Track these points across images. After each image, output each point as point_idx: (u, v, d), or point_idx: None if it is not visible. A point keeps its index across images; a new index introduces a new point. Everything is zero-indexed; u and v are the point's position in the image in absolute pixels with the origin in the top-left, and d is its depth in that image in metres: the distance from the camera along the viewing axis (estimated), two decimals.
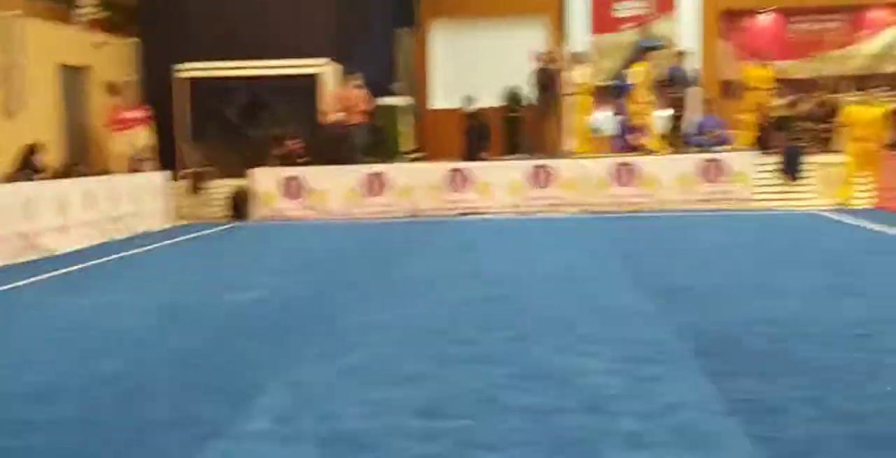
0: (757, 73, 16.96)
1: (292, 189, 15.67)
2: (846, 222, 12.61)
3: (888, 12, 20.11)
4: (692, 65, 17.29)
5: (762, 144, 15.90)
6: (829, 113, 16.16)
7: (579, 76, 16.88)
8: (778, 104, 17.10)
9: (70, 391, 4.99)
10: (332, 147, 16.21)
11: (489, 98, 17.47)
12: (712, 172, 15.28)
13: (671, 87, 16.79)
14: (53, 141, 14.83)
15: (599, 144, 17.57)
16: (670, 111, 16.83)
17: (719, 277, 8.26)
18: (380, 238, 12.62)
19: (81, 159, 15.69)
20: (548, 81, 16.86)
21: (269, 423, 4.27)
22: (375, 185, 15.60)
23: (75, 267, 10.21)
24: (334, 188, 15.64)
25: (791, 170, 15.30)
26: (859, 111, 14.71)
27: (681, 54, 17.15)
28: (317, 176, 15.71)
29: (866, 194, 14.66)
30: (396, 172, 15.84)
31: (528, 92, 17.34)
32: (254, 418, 4.36)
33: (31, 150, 12.88)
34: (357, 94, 16.49)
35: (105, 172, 15.15)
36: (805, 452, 3.70)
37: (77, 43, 16.04)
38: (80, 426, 4.36)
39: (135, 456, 3.88)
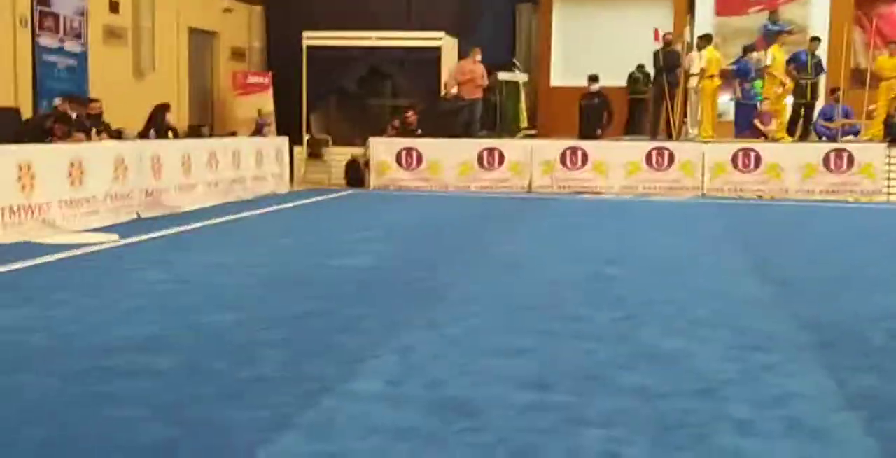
0: (890, 62, 16.24)
1: (408, 160, 15.79)
2: None
3: None
4: (821, 52, 16.67)
5: (892, 135, 15.25)
6: None
7: (704, 59, 16.47)
8: None
9: (177, 343, 5.12)
10: (449, 120, 16.26)
11: (609, 78, 17.22)
12: (839, 162, 14.75)
13: (800, 73, 16.22)
14: (180, 103, 15.30)
15: (723, 129, 17.17)
16: (799, 98, 16.30)
17: (841, 269, 7.99)
18: (491, 212, 12.63)
19: (206, 121, 16.16)
20: (671, 62, 16.53)
21: (378, 385, 4.33)
22: (490, 159, 15.59)
23: (196, 225, 10.52)
24: (449, 161, 15.69)
25: None
26: None
27: (813, 40, 16.54)
28: (432, 148, 15.79)
29: None
30: (512, 147, 15.79)
31: (651, 73, 17.04)
32: (363, 379, 4.43)
33: (162, 109, 13.29)
34: (476, 68, 16.47)
35: (229, 134, 15.54)
36: None
37: (206, 8, 16.45)
38: (185, 376, 4.47)
39: (241, 409, 3.96)
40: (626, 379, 4.48)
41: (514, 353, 4.96)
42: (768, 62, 16.33)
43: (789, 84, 16.18)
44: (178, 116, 14.89)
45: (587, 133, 16.30)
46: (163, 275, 7.31)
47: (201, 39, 16.50)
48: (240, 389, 4.27)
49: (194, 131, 14.72)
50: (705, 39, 16.75)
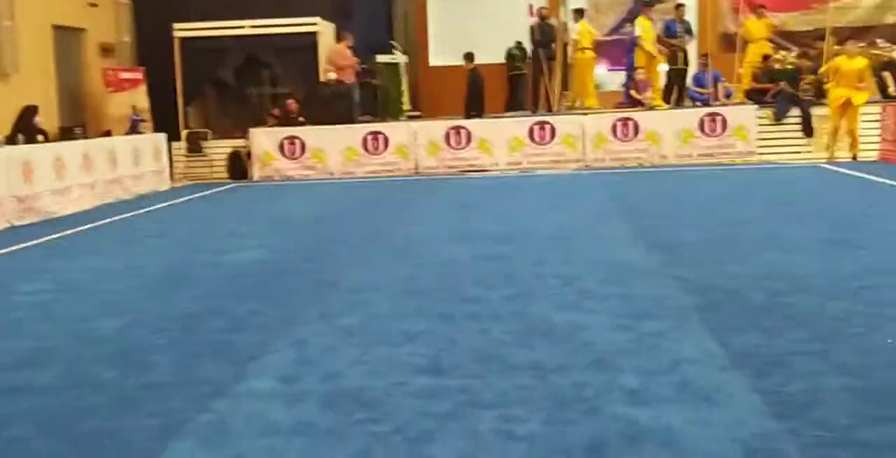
0: (756, 25, 16.77)
1: (291, 149, 15.61)
2: (848, 175, 12.57)
3: None
4: (689, 18, 17.08)
5: (759, 96, 15.77)
6: (815, 66, 16.01)
7: (578, 32, 16.72)
8: (777, 57, 16.93)
9: (62, 355, 4.96)
10: (329, 106, 16.11)
11: (488, 55, 17.30)
12: (713, 126, 15.19)
13: (671, 40, 16.61)
14: (48, 103, 14.74)
15: (603, 100, 17.47)
16: (670, 66, 16.69)
17: (721, 231, 8.24)
18: (379, 197, 12.59)
19: (78, 122, 15.61)
20: (547, 36, 16.72)
21: (272, 382, 4.28)
22: (375, 143, 15.52)
23: (73, 230, 10.19)
24: (333, 147, 15.58)
25: (781, 112, 15.13)
26: (843, 63, 14.53)
27: (679, 7, 16.95)
28: (316, 135, 15.64)
29: (869, 147, 14.58)
30: (396, 130, 15.75)
31: (528, 48, 17.20)
32: (257, 377, 4.37)
33: (30, 111, 12.77)
34: (349, 52, 16.31)
35: (103, 134, 15.07)
36: (808, 404, 3.70)
37: (71, 3, 15.86)
38: (72, 388, 4.33)
39: (133, 418, 3.86)
40: (521, 357, 4.53)
41: (410, 339, 4.96)
42: (638, 33, 16.67)
43: (659, 56, 16.52)
44: (48, 118, 14.34)
45: (470, 112, 16.37)
46: (42, 284, 7.05)
47: (67, 36, 15.90)
48: (130, 397, 4.16)
49: (66, 133, 14.21)
50: (578, 13, 16.99)
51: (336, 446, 3.46)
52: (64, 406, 4.08)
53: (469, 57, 16.72)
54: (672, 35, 16.58)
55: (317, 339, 5.06)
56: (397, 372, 4.35)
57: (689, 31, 16.83)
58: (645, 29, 16.61)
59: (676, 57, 16.61)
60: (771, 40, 16.95)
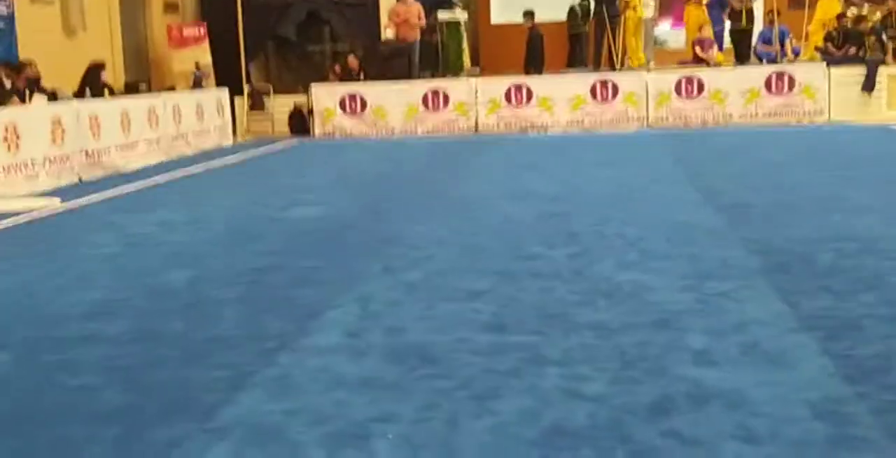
0: None
1: (352, 105, 15.61)
2: None
3: None
4: None
5: (831, 55, 15.36)
6: (890, 22, 15.51)
7: None
8: (850, 15, 16.47)
9: (129, 306, 5.04)
10: (389, 63, 16.06)
11: (550, 12, 17.06)
12: (780, 85, 14.84)
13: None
14: (114, 60, 14.91)
15: (664, 57, 17.18)
16: (733, 25, 16.36)
17: (787, 192, 8.08)
18: (439, 155, 12.56)
19: (143, 78, 15.78)
20: None
21: (337, 337, 4.31)
22: (435, 101, 15.46)
23: (139, 184, 10.34)
24: (394, 105, 15.54)
25: (870, 84, 14.77)
26: None
27: None
28: (376, 92, 15.61)
29: None
30: (456, 87, 15.66)
31: (590, 6, 16.95)
32: (322, 332, 4.41)
33: (97, 67, 12.94)
34: (411, 8, 16.22)
35: (167, 90, 15.22)
36: (878, 369, 3.63)
37: None
38: (140, 341, 4.40)
39: (200, 370, 3.92)
40: (584, 316, 4.51)
41: (472, 296, 4.96)
42: None
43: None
44: (114, 74, 14.50)
45: (528, 69, 16.23)
46: (110, 238, 7.17)
47: None
48: (197, 350, 4.23)
49: (131, 88, 14.38)
50: None
51: (401, 400, 3.48)
52: (133, 357, 4.16)
53: (529, 15, 16.51)
54: None
55: (380, 294, 5.08)
56: (461, 328, 4.36)
57: None
58: None
59: (740, 14, 16.24)
60: None
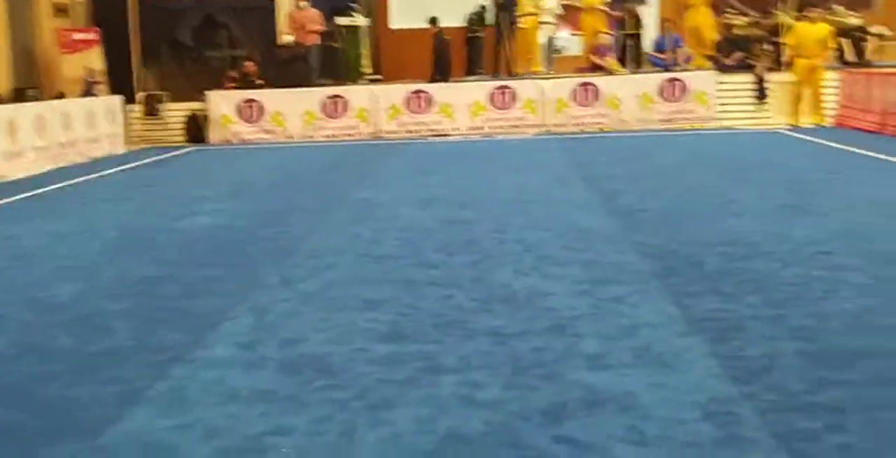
0: None
1: (250, 112, 15.42)
2: (805, 140, 12.68)
3: None
4: None
5: (721, 63, 15.84)
6: (774, 32, 16.09)
7: None
8: (738, 23, 16.99)
9: (14, 320, 4.90)
10: (288, 69, 15.91)
11: (450, 18, 17.14)
12: (673, 91, 15.23)
13: (623, 4, 16.70)
14: (0, 65, 14.42)
15: (563, 64, 17.44)
16: (620, 31, 16.77)
17: (680, 197, 8.28)
18: (338, 162, 12.49)
19: (32, 84, 15.28)
20: (507, 1, 16.60)
21: (231, 349, 4.24)
22: (335, 107, 15.39)
23: (26, 194, 10.02)
24: (292, 111, 15.41)
25: (762, 94, 15.27)
26: (804, 29, 14.60)
27: None
28: (274, 99, 15.45)
29: (826, 112, 14.69)
30: (356, 93, 15.62)
31: (489, 12, 17.09)
32: (216, 344, 4.33)
33: None
34: (309, 14, 16.11)
35: (57, 96, 14.78)
36: (764, 369, 3.74)
37: None
38: (25, 356, 4.27)
39: (91, 385, 3.82)
40: (482, 322, 4.54)
41: (371, 305, 4.94)
42: (579, 2, 16.93)
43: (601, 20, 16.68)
44: (1, 80, 14.04)
45: (438, 75, 16.30)
46: None
47: None
48: (86, 364, 4.11)
49: (19, 95, 13.91)
50: None
51: (296, 412, 3.44)
52: (18, 373, 4.03)
53: (433, 21, 16.57)
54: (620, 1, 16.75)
55: (276, 305, 5.02)
56: (357, 338, 4.33)
57: None
58: None
59: (625, 22, 16.69)
60: (729, 5, 16.99)
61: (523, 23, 16.60)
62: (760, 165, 10.53)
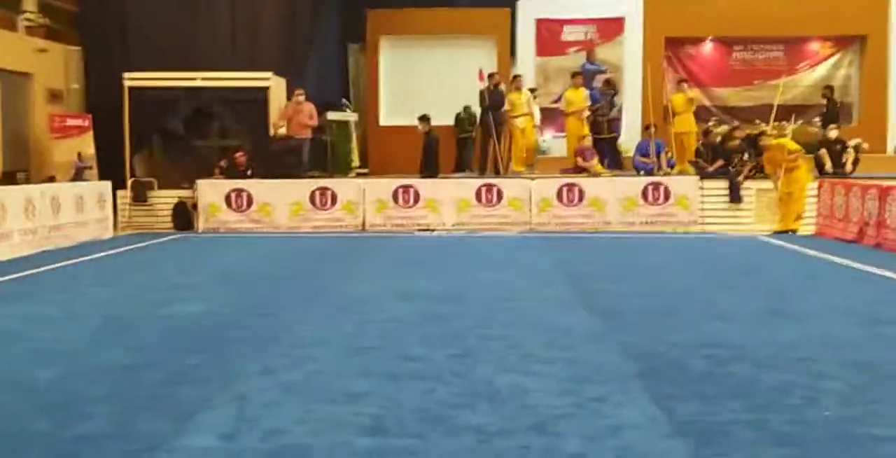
0: (679, 98, 17.29)
1: (238, 201, 15.55)
2: (786, 247, 12.85)
3: (826, 44, 20.76)
4: (633, 89, 17.72)
5: (703, 169, 16.18)
6: (753, 144, 16.51)
7: (523, 98, 17.13)
8: (718, 132, 17.47)
9: None
10: (278, 160, 16.13)
11: (438, 117, 17.54)
12: (657, 195, 15.49)
13: (596, 112, 17.26)
14: None
15: (547, 165, 17.79)
16: (595, 135, 17.23)
17: (663, 298, 8.34)
18: (324, 253, 12.55)
19: (22, 167, 15.43)
20: (496, 101, 17.02)
21: (212, 439, 4.21)
22: (323, 199, 15.55)
23: (11, 276, 9.99)
24: (281, 201, 15.56)
25: (736, 195, 15.58)
26: (779, 144, 14.95)
27: (605, 83, 17.71)
28: (263, 189, 15.61)
29: (805, 222, 14.93)
30: (344, 186, 15.80)
31: (477, 112, 17.49)
32: (196, 433, 4.30)
33: None
34: (303, 108, 16.44)
35: (47, 180, 14.89)
36: None
37: (19, 48, 15.79)
38: (1, 440, 4.22)
39: None
40: (465, 418, 4.53)
41: (353, 397, 4.93)
42: (562, 104, 17.50)
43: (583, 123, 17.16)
44: None
45: (428, 171, 16.57)
46: None
47: (14, 81, 15.79)
48: (64, 450, 4.07)
49: (9, 177, 14.03)
50: (512, 81, 17.54)
51: None
52: None
53: (425, 119, 16.93)
54: (595, 105, 17.26)
55: (258, 395, 5.00)
56: (340, 431, 4.31)
57: (611, 103, 17.60)
58: (568, 100, 17.24)
59: (600, 126, 17.16)
60: (714, 114, 17.50)
61: (520, 123, 16.99)
62: (741, 269, 10.65)
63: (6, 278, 9.89)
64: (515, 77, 17.78)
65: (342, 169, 17.79)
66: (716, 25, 20.02)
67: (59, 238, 12.99)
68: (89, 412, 4.65)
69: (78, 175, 15.38)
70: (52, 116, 16.27)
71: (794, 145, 14.70)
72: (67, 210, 13.37)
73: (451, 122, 18.03)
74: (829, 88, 18.96)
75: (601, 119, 17.48)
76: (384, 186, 15.77)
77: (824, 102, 18.63)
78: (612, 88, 18.01)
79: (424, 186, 15.75)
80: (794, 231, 14.60)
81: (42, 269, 10.64)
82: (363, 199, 15.59)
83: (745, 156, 15.94)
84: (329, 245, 13.52)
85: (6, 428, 4.40)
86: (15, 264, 10.96)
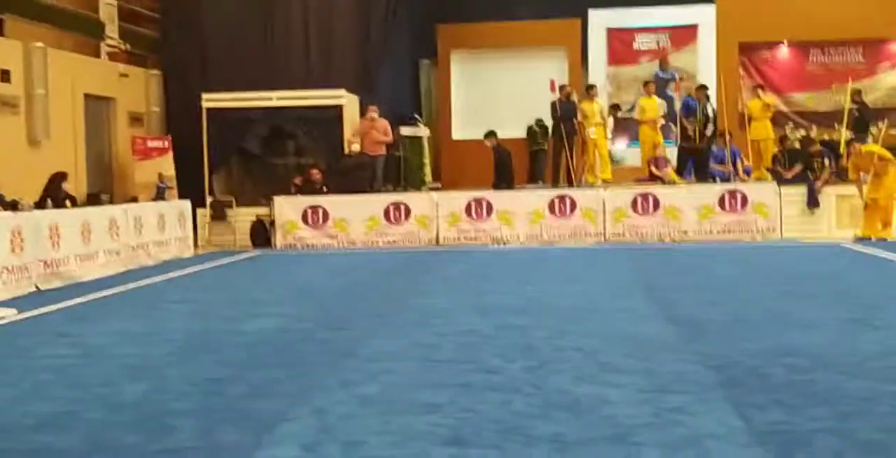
0: (755, 104, 16.99)
1: (314, 217, 15.77)
2: (868, 254, 12.55)
3: None
4: (710, 97, 17.27)
5: (780, 175, 15.90)
6: (834, 149, 16.17)
7: (596, 108, 17.07)
8: (794, 137, 17.18)
9: (82, 419, 4.98)
10: (352, 176, 16.33)
11: (510, 129, 17.57)
12: (733, 202, 15.26)
13: (688, 118, 16.84)
14: (77, 170, 15.03)
15: (621, 174, 17.67)
16: (683, 143, 16.93)
17: (742, 307, 8.23)
18: (400, 267, 12.66)
19: (105, 188, 15.89)
20: (568, 112, 16.96)
21: (293, 450, 4.28)
22: (397, 213, 15.68)
23: (98, 295, 10.28)
24: (356, 217, 15.73)
25: (813, 200, 15.28)
26: (869, 152, 14.61)
27: (698, 89, 17.22)
28: (338, 205, 15.81)
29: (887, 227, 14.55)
30: (417, 200, 15.91)
31: (549, 123, 17.47)
32: (278, 445, 4.38)
33: (59, 177, 13.02)
34: (376, 124, 16.62)
35: (129, 200, 15.30)
36: None
37: (102, 73, 16.29)
38: (91, 455, 4.34)
39: None
40: (542, 429, 4.53)
41: (431, 409, 4.96)
42: (636, 113, 17.26)
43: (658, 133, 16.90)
44: (76, 184, 14.62)
45: (499, 186, 16.59)
46: (66, 348, 7.11)
47: (98, 105, 16.29)
48: None
49: (93, 199, 14.45)
50: (586, 91, 17.44)
51: None
52: None
53: (492, 135, 16.97)
54: (689, 112, 16.80)
55: (337, 407, 5.07)
56: (418, 442, 4.35)
57: (704, 114, 16.78)
58: (642, 108, 17.04)
59: (689, 135, 16.80)
60: (791, 120, 17.18)
61: (593, 134, 16.90)
62: (822, 277, 10.45)
63: (94, 296, 10.19)
64: (591, 87, 17.67)
65: (415, 184, 17.91)
66: (791, 29, 19.65)
67: (142, 257, 13.33)
68: (175, 425, 4.77)
69: (159, 195, 15.77)
70: (134, 139, 16.72)
71: (886, 153, 14.36)
72: (149, 230, 13.72)
73: (523, 134, 18.04)
74: None
75: (692, 127, 16.71)
76: (457, 199, 15.84)
77: None
78: (705, 93, 17.02)
79: (497, 198, 15.78)
80: (883, 239, 14.20)
81: (126, 287, 10.93)
82: (436, 212, 15.67)
83: (826, 161, 15.63)
84: (404, 259, 13.63)
85: (98, 442, 4.54)
86: (100, 283, 11.27)
